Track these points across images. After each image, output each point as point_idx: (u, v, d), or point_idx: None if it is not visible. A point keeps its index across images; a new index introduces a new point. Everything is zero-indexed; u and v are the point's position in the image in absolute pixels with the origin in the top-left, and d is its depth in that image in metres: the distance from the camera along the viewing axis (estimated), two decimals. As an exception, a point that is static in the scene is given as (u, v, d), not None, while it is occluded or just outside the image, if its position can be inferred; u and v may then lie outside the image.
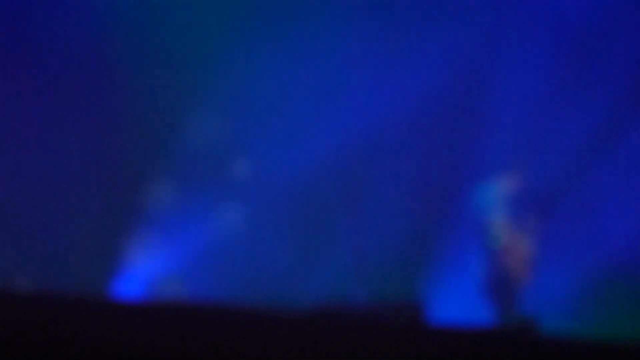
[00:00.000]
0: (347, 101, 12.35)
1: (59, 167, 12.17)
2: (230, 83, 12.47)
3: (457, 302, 11.61)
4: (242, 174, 12.64)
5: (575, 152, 12.31)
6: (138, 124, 12.68)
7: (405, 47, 12.54)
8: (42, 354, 3.63)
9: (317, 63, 12.33)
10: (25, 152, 12.25)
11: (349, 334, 4.17)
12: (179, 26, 12.39)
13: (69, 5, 12.19)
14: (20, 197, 12.13)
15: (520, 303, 10.05)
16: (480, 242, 10.31)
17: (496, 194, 10.31)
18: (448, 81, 12.39)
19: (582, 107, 12.29)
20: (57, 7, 12.15)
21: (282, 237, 12.43)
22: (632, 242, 11.93)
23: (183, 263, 11.87)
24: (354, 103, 12.35)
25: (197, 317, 4.07)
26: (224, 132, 12.63)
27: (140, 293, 11.49)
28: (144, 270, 11.77)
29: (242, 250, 12.26)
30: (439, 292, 11.57)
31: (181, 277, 11.64)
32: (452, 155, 12.42)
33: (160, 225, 12.16)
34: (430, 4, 12.45)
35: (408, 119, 12.45)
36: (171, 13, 12.38)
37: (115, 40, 12.11)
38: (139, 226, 12.13)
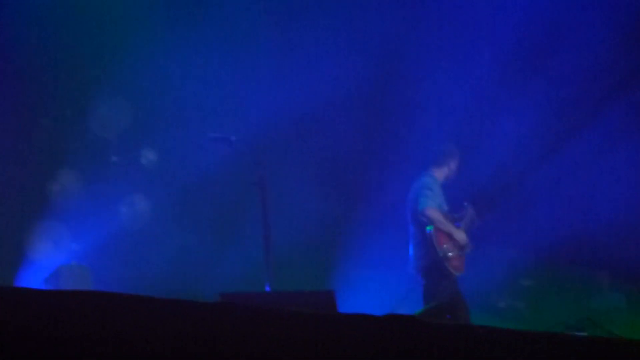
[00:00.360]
0: (250, 95, 12.41)
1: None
2: (139, 74, 12.42)
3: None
4: (150, 164, 12.62)
5: (509, 155, 12.64)
6: (43, 113, 12.57)
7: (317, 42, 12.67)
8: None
9: (226, 58, 12.36)
10: None
11: (258, 320, 4.21)
12: (89, 18, 12.30)
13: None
14: None
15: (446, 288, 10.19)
16: (414, 228, 10.40)
17: (431, 184, 10.39)
18: (373, 79, 12.59)
19: (517, 112, 12.57)
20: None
21: (190, 227, 12.45)
22: (556, 234, 12.29)
23: (90, 253, 11.80)
24: (256, 97, 12.41)
25: (104, 305, 4.08)
26: (132, 122, 12.58)
27: (45, 283, 11.40)
28: (50, 261, 11.68)
29: (150, 239, 12.23)
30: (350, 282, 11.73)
31: (87, 266, 11.57)
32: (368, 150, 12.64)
33: (66, 215, 12.07)
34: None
35: (322, 113, 12.60)
36: (81, 6, 12.29)
37: (22, 31, 11.98)
38: (44, 217, 12.03)
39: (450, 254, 10.21)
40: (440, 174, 10.59)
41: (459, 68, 12.82)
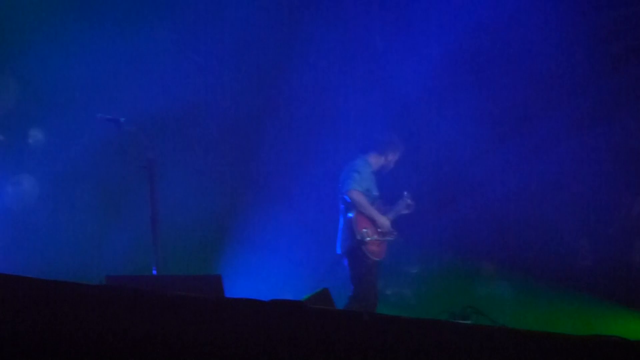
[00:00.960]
0: (141, 77, 12.30)
1: None
2: (26, 52, 12.23)
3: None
4: (37, 144, 12.44)
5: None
6: None
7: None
8: None
9: (118, 38, 12.22)
10: None
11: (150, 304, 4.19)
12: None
13: None
14: None
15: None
16: (342, 210, 10.49)
17: (361, 167, 10.46)
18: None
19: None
20: None
21: (77, 208, 12.30)
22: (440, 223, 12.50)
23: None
24: (148, 80, 12.33)
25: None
26: (18, 100, 12.38)
27: None
28: None
29: (36, 220, 12.06)
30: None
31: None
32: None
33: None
34: None
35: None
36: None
37: None
38: None
39: (368, 238, 10.33)
40: (377, 161, 10.71)
41: (405, 58, 12.91)
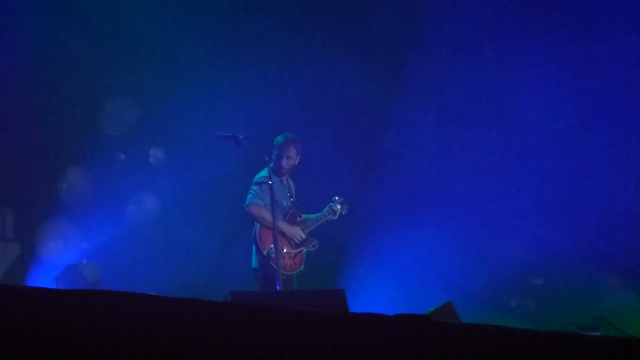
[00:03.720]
0: (258, 94, 12.37)
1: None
2: (146, 72, 12.43)
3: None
4: (158, 162, 12.62)
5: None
6: (52, 113, 12.56)
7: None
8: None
9: (232, 57, 12.33)
10: None
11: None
12: (97, 17, 12.30)
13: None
14: None
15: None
16: None
17: (260, 180, 10.19)
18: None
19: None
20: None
21: (199, 225, 12.42)
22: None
23: (99, 251, 11.82)
24: (265, 96, 12.41)
25: (112, 304, 4.05)
26: (139, 120, 12.58)
27: (55, 282, 11.42)
28: (60, 260, 11.70)
29: (159, 238, 12.23)
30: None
31: (97, 265, 11.58)
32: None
33: (76, 213, 12.08)
34: None
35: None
36: (89, 6, 12.27)
37: (31, 30, 11.94)
38: (54, 215, 12.04)
39: (273, 253, 9.84)
40: (278, 166, 10.29)
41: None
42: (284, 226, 10.13)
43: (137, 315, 4.01)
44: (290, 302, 7.91)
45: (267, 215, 9.96)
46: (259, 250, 10.02)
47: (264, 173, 10.17)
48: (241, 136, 9.95)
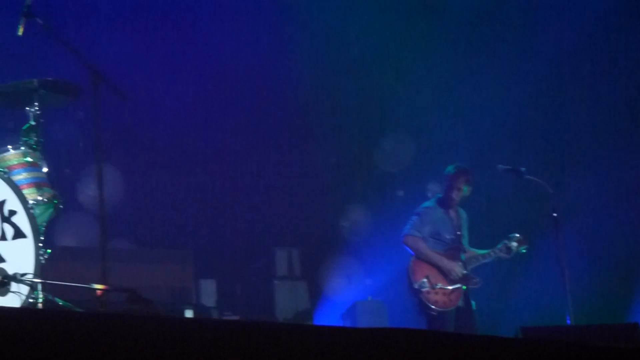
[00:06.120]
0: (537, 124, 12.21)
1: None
2: (420, 108, 12.57)
3: None
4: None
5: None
6: (332, 152, 12.86)
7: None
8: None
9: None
10: None
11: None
12: (370, 58, 12.54)
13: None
14: None
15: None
16: None
17: (422, 210, 9.96)
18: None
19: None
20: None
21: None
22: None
23: (383, 288, 11.95)
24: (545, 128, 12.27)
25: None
26: (415, 156, 12.69)
27: (342, 319, 11.64)
28: (346, 297, 11.93)
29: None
30: None
31: (383, 301, 11.71)
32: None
33: (358, 250, 12.29)
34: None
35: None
36: (361, 46, 12.54)
37: (304, 76, 12.32)
38: (338, 253, 12.31)
39: (425, 288, 9.63)
40: (448, 197, 10.01)
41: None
42: (440, 260, 9.83)
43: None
44: (581, 336, 7.80)
45: (422, 248, 9.85)
46: (410, 283, 9.86)
47: (429, 203, 10.13)
48: (523, 169, 9.96)
